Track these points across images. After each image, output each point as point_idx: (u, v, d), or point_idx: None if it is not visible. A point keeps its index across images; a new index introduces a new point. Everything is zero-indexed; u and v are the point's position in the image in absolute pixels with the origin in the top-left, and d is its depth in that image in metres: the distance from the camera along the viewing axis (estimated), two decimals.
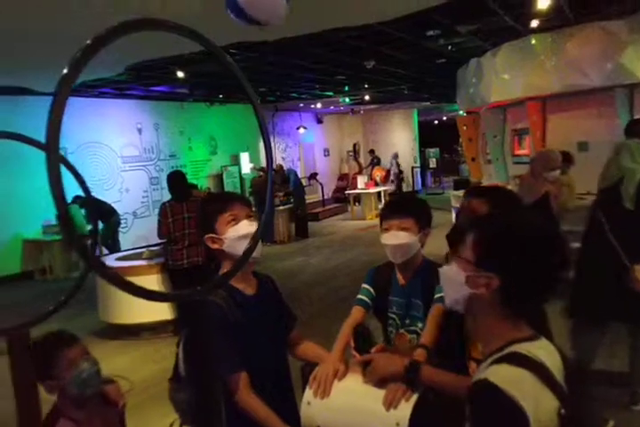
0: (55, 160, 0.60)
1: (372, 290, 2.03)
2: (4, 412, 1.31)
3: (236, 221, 1.76)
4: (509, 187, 7.27)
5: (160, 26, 0.77)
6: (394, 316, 1.97)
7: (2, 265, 8.92)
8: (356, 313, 1.97)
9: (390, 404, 1.42)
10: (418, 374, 1.45)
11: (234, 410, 1.58)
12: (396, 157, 17.25)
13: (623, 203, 3.05)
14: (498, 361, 1.09)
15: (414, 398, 1.44)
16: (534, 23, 6.76)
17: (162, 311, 5.55)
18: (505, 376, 1.05)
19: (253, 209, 1.89)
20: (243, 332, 1.69)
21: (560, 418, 1.04)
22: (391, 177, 16.68)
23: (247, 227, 1.74)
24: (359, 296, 2.03)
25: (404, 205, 1.99)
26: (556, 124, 7.81)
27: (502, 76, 7.87)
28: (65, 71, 0.65)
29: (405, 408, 1.42)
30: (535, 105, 7.88)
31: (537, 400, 1.02)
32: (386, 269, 2.03)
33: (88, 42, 0.69)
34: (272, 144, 12.17)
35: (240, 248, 1.69)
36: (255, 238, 0.99)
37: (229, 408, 1.47)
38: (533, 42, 7.42)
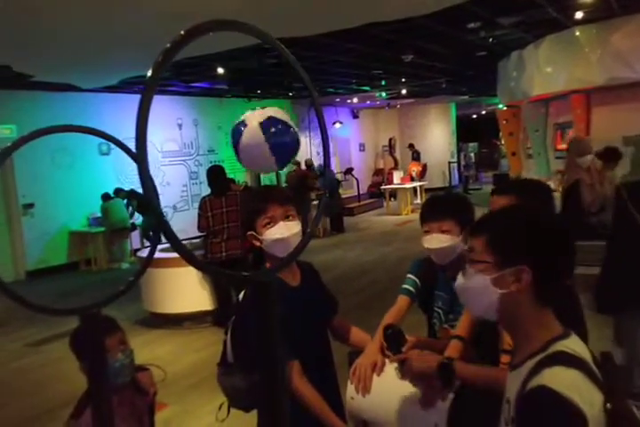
0: (144, 155, 0.66)
1: (417, 280, 2.00)
2: (81, 385, 1.38)
3: (272, 223, 1.75)
4: (550, 182, 7.14)
5: (231, 26, 0.81)
6: (439, 310, 1.97)
7: (50, 256, 9.28)
8: (401, 302, 1.96)
9: (427, 404, 1.44)
10: (452, 371, 1.46)
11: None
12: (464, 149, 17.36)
13: None
14: (547, 363, 1.08)
15: (450, 397, 1.45)
16: (579, 15, 6.60)
17: (203, 302, 5.71)
18: (562, 380, 1.03)
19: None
20: (289, 323, 1.74)
21: (606, 412, 1.05)
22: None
23: (282, 230, 1.73)
24: (404, 286, 2.00)
25: (443, 207, 1.92)
26: (601, 118, 7.61)
27: (545, 69, 7.70)
28: (149, 74, 0.71)
29: (442, 408, 1.44)
30: (579, 98, 7.69)
31: (592, 400, 1.03)
32: (432, 263, 1.98)
33: (167, 46, 0.74)
34: (308, 139, 12.22)
35: (277, 250, 1.72)
36: (305, 239, 0.95)
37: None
38: (577, 34, 7.23)
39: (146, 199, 0.63)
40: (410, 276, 2.03)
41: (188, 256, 0.70)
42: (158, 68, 0.72)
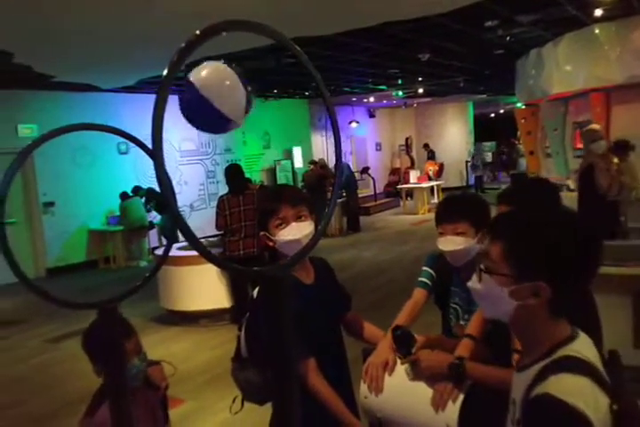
0: (160, 151, 0.67)
1: (433, 273, 1.98)
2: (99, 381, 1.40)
3: (284, 224, 1.75)
4: (569, 182, 7.06)
5: (244, 26, 0.83)
6: (455, 306, 1.96)
7: (69, 253, 9.43)
8: (418, 295, 1.95)
9: (438, 405, 1.44)
10: (462, 372, 1.46)
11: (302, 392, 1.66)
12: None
13: None
14: (553, 369, 1.07)
15: (461, 398, 1.45)
16: (598, 12, 6.50)
17: (220, 300, 5.75)
18: (567, 388, 1.03)
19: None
20: (304, 320, 1.75)
21: (612, 414, 1.05)
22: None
23: (294, 231, 1.72)
24: (420, 278, 1.99)
25: (458, 208, 1.89)
26: (621, 116, 7.49)
27: (564, 68, 7.61)
28: (165, 73, 0.72)
29: (453, 410, 1.44)
30: (599, 96, 7.59)
31: (597, 405, 1.02)
32: None
33: (182, 45, 0.76)
34: (324, 138, 12.21)
35: (289, 250, 1.72)
36: (316, 237, 0.97)
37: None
38: (597, 31, 7.13)
39: (162, 197, 0.64)
40: (425, 268, 2.01)
41: (202, 251, 0.72)
42: (173, 67, 0.73)
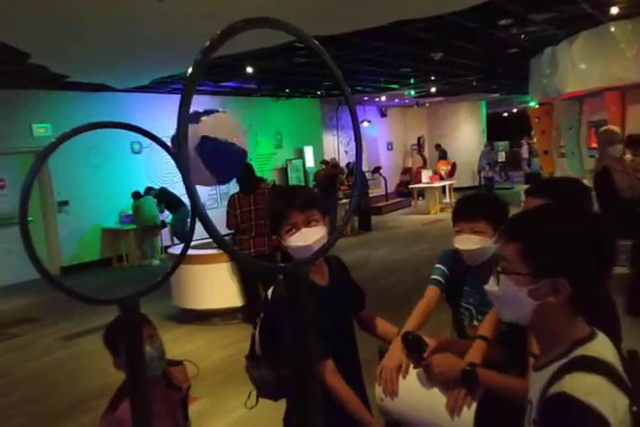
0: (184, 146, 0.68)
1: (446, 271, 1.96)
2: (113, 378, 1.43)
3: (294, 229, 1.73)
4: (585, 181, 6.98)
5: (266, 24, 0.83)
6: (469, 306, 1.94)
7: (84, 252, 9.52)
8: (431, 293, 1.93)
9: (452, 412, 1.44)
10: (475, 378, 1.45)
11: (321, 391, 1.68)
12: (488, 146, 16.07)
13: None
14: (569, 368, 1.06)
15: (474, 405, 1.45)
16: (614, 10, 6.44)
17: (232, 299, 5.77)
18: (583, 386, 1.02)
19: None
20: (320, 321, 1.75)
21: (632, 415, 1.04)
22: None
23: (304, 237, 1.70)
24: (433, 276, 1.97)
25: (476, 207, 1.86)
26: (636, 116, 7.41)
27: (579, 66, 7.54)
28: (190, 71, 0.73)
29: (467, 416, 1.44)
30: (614, 95, 7.51)
31: (614, 404, 1.01)
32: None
33: (207, 43, 0.77)
34: (335, 138, 12.17)
35: (300, 255, 1.71)
36: (332, 239, 0.93)
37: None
38: (612, 30, 7.06)
39: (174, 197, 0.64)
40: (439, 266, 1.99)
41: (226, 247, 0.72)
42: (199, 66, 0.74)
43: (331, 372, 1.72)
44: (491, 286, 1.17)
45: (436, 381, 1.52)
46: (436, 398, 1.51)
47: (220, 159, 1.75)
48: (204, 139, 1.77)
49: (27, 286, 7.70)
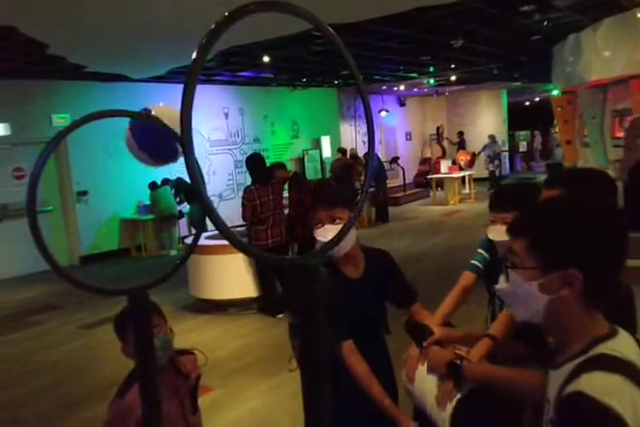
0: (189, 138, 0.64)
1: (486, 255, 2.00)
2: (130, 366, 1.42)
3: (320, 224, 1.88)
4: (609, 172, 6.83)
5: (274, 7, 0.79)
6: None
7: (102, 242, 9.63)
8: (466, 279, 1.99)
9: (439, 404, 1.50)
10: (460, 373, 1.48)
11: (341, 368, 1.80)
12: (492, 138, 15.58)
13: None
14: (586, 367, 1.03)
15: (456, 398, 1.48)
16: None
17: (248, 289, 5.79)
18: (601, 386, 0.99)
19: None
20: (344, 308, 1.83)
21: None
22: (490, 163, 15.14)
23: (326, 233, 1.83)
24: (472, 261, 2.02)
25: (510, 198, 1.88)
26: None
27: (603, 53, 7.34)
28: (194, 56, 0.69)
29: (449, 408, 1.48)
30: (639, 84, 7.29)
31: (634, 405, 0.97)
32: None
33: (212, 27, 0.73)
34: (353, 128, 12.09)
35: None
36: (339, 236, 0.88)
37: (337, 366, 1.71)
38: (638, 15, 6.85)
39: (191, 187, 0.63)
40: (480, 251, 2.04)
41: (233, 240, 0.70)
42: (203, 50, 0.70)
43: (349, 351, 1.82)
44: (500, 284, 1.16)
45: (433, 371, 1.58)
46: (433, 388, 1.57)
47: (153, 139, 1.90)
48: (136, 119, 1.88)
49: (46, 276, 7.80)
